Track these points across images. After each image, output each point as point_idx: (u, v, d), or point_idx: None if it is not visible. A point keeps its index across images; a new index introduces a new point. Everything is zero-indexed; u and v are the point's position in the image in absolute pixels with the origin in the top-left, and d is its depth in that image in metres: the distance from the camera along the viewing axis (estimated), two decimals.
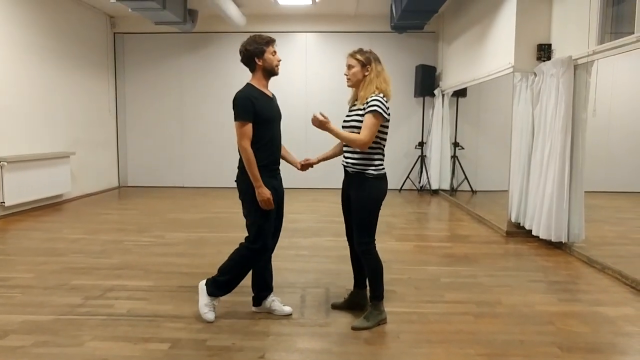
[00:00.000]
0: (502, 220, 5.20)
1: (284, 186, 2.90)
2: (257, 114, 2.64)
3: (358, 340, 2.59)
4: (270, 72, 2.75)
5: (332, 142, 2.93)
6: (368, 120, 2.61)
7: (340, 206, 2.94)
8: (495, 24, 5.53)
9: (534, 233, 4.67)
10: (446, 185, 7.89)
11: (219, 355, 2.41)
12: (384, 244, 4.52)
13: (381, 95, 2.66)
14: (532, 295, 3.30)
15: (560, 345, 2.54)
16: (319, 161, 2.97)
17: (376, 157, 2.71)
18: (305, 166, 2.96)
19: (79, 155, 7.37)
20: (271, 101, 2.79)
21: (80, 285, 3.41)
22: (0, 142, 5.81)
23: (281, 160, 2.88)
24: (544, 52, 4.79)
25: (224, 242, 4.70)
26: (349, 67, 2.75)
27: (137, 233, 5.07)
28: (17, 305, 3.05)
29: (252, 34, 2.76)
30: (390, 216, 6.03)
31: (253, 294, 2.94)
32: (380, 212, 2.76)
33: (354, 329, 2.71)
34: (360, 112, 2.67)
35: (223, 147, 8.50)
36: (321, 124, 2.63)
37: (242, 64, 2.76)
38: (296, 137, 7.86)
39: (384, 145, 2.76)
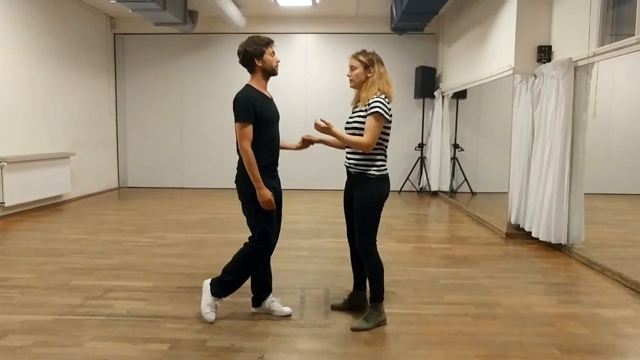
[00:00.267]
0: (502, 221, 5.20)
1: (283, 187, 2.91)
2: (258, 115, 2.64)
3: (357, 341, 2.59)
4: (269, 72, 2.76)
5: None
6: (370, 122, 2.61)
7: (340, 207, 2.95)
8: (496, 26, 5.54)
9: (533, 235, 4.67)
10: (446, 187, 7.89)
11: (218, 356, 2.41)
12: (384, 245, 4.51)
13: (383, 96, 2.66)
14: (531, 296, 3.30)
15: (560, 347, 2.54)
16: (320, 140, 2.93)
17: (378, 157, 2.71)
18: (306, 141, 2.94)
19: (79, 155, 7.38)
20: (270, 102, 2.81)
21: (80, 286, 3.41)
22: (0, 142, 5.82)
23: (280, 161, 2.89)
24: (544, 53, 4.80)
25: (223, 243, 4.70)
26: (352, 68, 2.75)
27: (136, 234, 5.08)
28: (17, 305, 3.05)
29: (251, 35, 2.76)
30: (390, 217, 6.03)
31: (252, 295, 2.94)
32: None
33: (353, 330, 2.71)
34: (362, 114, 2.67)
35: (223, 148, 8.50)
36: (324, 130, 2.63)
37: (241, 65, 2.77)
38: (296, 137, 7.64)
39: (386, 146, 2.76)
